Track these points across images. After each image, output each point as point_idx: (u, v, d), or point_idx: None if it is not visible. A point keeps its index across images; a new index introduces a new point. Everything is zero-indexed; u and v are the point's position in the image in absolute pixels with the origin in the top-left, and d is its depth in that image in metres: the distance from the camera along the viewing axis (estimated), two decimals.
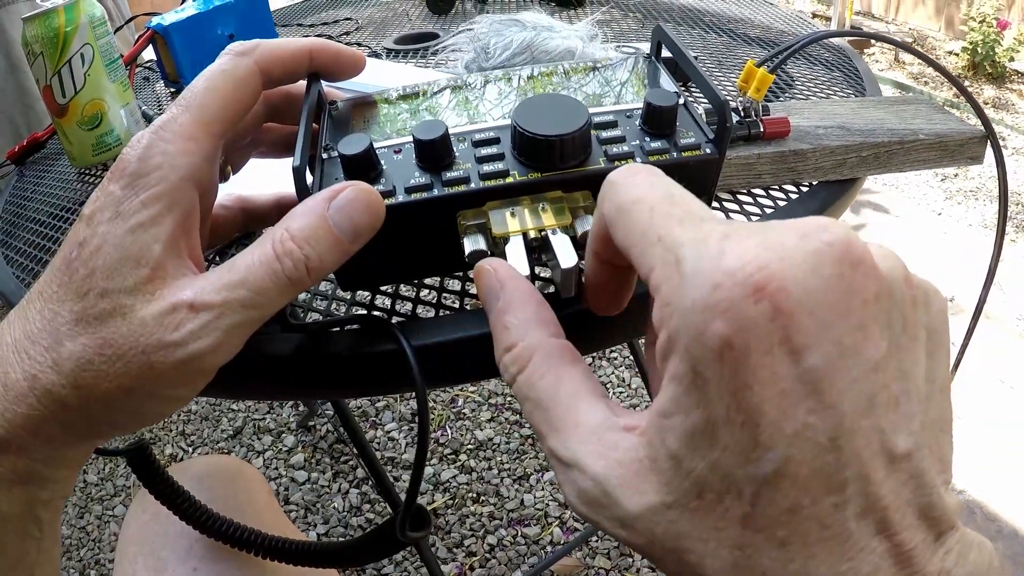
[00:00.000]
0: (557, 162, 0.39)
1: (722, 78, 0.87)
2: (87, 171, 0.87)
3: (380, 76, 0.83)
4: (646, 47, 0.50)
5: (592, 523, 0.29)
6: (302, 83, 0.45)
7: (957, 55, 4.31)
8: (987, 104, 3.92)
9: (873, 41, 4.57)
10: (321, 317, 0.52)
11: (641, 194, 0.30)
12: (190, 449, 1.98)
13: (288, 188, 0.49)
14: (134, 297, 0.34)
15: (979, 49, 4.11)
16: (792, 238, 0.25)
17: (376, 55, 1.07)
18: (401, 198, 0.39)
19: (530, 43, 0.75)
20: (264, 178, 0.51)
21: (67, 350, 0.34)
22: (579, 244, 0.38)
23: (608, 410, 0.30)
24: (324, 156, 0.42)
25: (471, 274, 0.52)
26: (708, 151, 0.41)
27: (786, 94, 0.83)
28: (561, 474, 0.30)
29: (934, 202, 3.05)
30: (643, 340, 0.37)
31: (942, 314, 0.28)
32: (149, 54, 1.08)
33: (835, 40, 1.01)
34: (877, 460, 0.24)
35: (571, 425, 0.30)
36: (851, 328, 0.24)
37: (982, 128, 0.64)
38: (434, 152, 0.40)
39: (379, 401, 2.02)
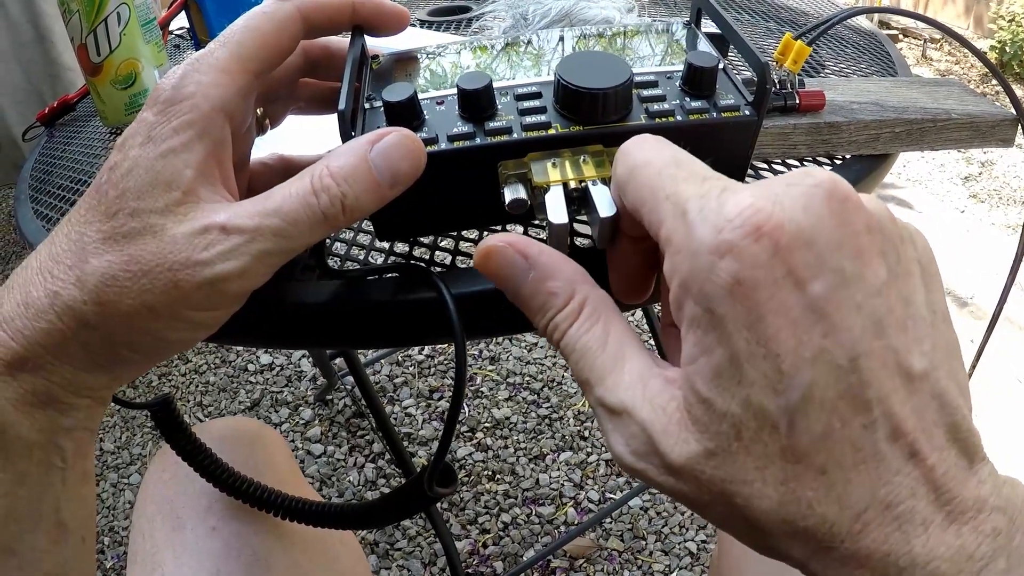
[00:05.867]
0: (599, 116, 0.40)
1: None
2: (117, 131, 0.88)
3: (420, 43, 0.83)
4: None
5: (639, 474, 0.30)
6: (341, 39, 0.45)
7: (985, 54, 4.26)
8: (1008, 108, 3.87)
9: (901, 36, 4.54)
10: (359, 266, 0.52)
11: (649, 157, 0.32)
12: (207, 420, 1.98)
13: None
14: (165, 217, 0.34)
15: (1007, 48, 4.07)
16: (781, 186, 0.27)
17: (411, 26, 1.06)
18: (444, 146, 0.39)
19: (568, 11, 0.74)
20: (308, 139, 0.51)
21: (91, 267, 0.34)
22: None
23: (651, 359, 0.31)
24: (367, 106, 0.43)
25: (511, 227, 0.52)
26: (747, 113, 0.41)
27: (819, 75, 0.82)
28: (608, 423, 0.31)
29: (957, 199, 3.03)
30: (659, 308, 0.37)
31: (928, 251, 0.29)
32: (181, 22, 1.08)
33: (866, 25, 1.00)
34: (896, 380, 0.26)
35: (618, 373, 0.31)
36: (849, 256, 0.26)
37: (1014, 112, 0.64)
38: (477, 102, 0.40)
39: (397, 377, 2.03)
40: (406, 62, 0.47)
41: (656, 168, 0.31)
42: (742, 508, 0.27)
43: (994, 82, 3.99)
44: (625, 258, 0.37)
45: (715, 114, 0.41)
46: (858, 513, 0.25)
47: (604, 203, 0.37)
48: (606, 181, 0.39)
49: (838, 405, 0.25)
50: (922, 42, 4.60)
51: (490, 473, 1.75)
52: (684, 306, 0.28)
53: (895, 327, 0.26)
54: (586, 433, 1.84)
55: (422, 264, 0.50)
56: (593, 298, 0.33)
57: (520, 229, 0.53)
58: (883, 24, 4.51)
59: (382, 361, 2.07)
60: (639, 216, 0.31)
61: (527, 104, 0.41)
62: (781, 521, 0.26)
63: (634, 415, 0.29)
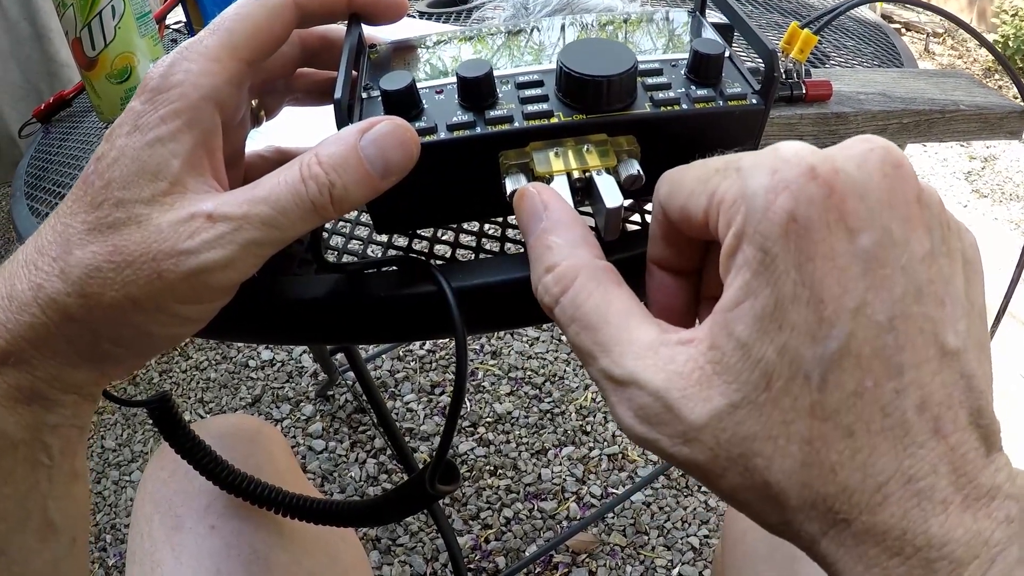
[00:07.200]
0: (603, 104, 0.39)
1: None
2: None
3: (418, 32, 0.83)
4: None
5: (649, 445, 0.29)
6: (338, 28, 0.44)
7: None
8: (1015, 100, 3.87)
9: (903, 30, 4.53)
10: (357, 260, 0.51)
11: (691, 164, 0.32)
12: (208, 417, 1.98)
13: None
14: (151, 207, 0.34)
15: (1010, 43, 4.06)
16: (836, 148, 0.27)
17: (410, 17, 1.06)
18: (443, 135, 0.39)
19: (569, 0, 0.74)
20: (306, 131, 0.51)
21: (75, 258, 0.33)
22: (623, 187, 0.38)
23: (659, 328, 0.30)
24: (364, 96, 0.42)
25: (512, 219, 0.51)
26: (754, 102, 0.40)
27: (824, 66, 0.81)
28: (614, 395, 0.30)
29: (960, 194, 3.02)
30: None
31: (974, 248, 0.29)
32: (178, 16, 1.07)
33: (871, 16, 0.99)
34: (930, 350, 0.26)
35: (624, 343, 0.30)
36: (898, 219, 0.26)
37: (1022, 104, 0.64)
38: (478, 90, 0.39)
39: (398, 372, 2.02)
40: (405, 51, 0.46)
41: (699, 164, 0.31)
42: (761, 471, 0.26)
43: (996, 77, 3.98)
44: (665, 288, 0.36)
45: (721, 103, 0.40)
46: (880, 484, 0.25)
47: (610, 193, 0.36)
48: (610, 171, 0.38)
49: (873, 364, 0.25)
50: (924, 36, 4.58)
51: (492, 468, 1.75)
52: (737, 253, 0.27)
53: (933, 299, 0.26)
54: (588, 428, 1.83)
55: (422, 257, 0.49)
56: (592, 267, 0.32)
57: None
58: (885, 18, 4.50)
59: (383, 356, 2.07)
60: (687, 212, 0.31)
61: (529, 92, 0.40)
62: (801, 485, 0.26)
63: (646, 384, 0.28)
